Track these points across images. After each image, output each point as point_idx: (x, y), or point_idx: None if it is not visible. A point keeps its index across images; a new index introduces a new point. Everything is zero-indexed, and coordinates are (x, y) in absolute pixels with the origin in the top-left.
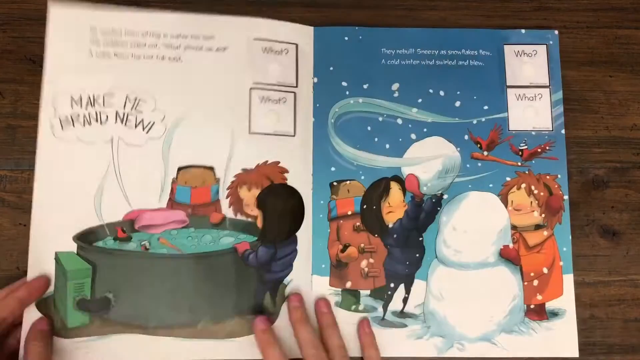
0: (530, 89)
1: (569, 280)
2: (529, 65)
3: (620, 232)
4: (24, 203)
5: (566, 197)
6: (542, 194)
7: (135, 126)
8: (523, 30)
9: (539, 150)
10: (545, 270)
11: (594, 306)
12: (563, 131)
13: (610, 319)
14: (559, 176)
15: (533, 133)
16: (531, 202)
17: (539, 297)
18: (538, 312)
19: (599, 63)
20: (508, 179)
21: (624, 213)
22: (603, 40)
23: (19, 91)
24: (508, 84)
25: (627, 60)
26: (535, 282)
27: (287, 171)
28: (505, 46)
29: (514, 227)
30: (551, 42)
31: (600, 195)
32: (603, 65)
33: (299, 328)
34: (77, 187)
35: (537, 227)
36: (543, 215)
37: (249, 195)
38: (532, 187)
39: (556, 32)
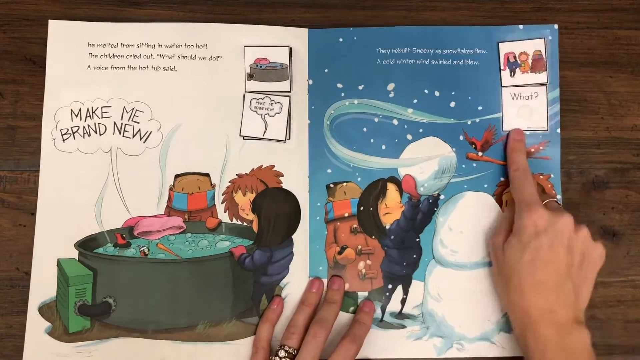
0: (526, 88)
1: None
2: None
3: (620, 233)
4: (23, 204)
5: (559, 196)
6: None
7: (133, 136)
8: (521, 26)
9: (532, 150)
10: None
11: (594, 307)
12: (559, 130)
13: (611, 320)
14: (552, 176)
15: (527, 133)
16: None
17: None
18: None
19: (599, 64)
20: (502, 179)
21: (624, 214)
22: (603, 40)
23: (19, 92)
24: (503, 84)
25: (627, 60)
26: None
27: (281, 174)
28: (500, 44)
29: None
30: (550, 38)
31: (601, 196)
32: (603, 66)
33: (324, 305)
34: (78, 196)
35: None
36: None
37: (244, 200)
38: None
39: (556, 26)
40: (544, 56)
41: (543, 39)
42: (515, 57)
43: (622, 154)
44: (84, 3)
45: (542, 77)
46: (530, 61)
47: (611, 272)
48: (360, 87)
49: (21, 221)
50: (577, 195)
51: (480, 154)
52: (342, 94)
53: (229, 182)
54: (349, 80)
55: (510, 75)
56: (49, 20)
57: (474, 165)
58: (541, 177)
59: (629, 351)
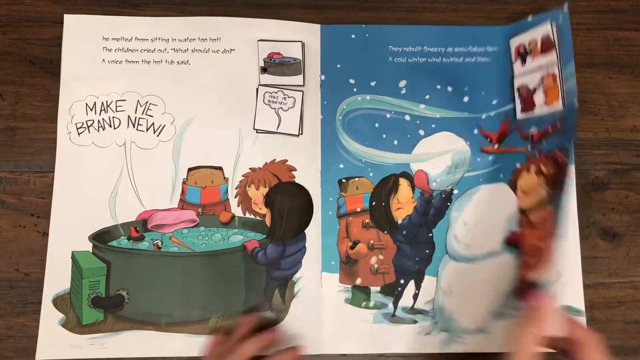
0: (533, 75)
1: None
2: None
3: (620, 234)
4: (23, 205)
5: (573, 165)
6: (551, 170)
7: (147, 129)
8: (529, 17)
9: (550, 130)
10: (542, 244)
11: (594, 308)
12: (576, 103)
13: (611, 321)
14: (567, 148)
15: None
16: (541, 182)
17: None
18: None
19: (599, 65)
20: (518, 165)
21: (624, 215)
22: (603, 42)
23: (18, 93)
24: (515, 74)
25: (627, 62)
26: (530, 258)
27: (294, 169)
28: (511, 41)
29: (522, 211)
30: (560, 22)
31: (601, 197)
32: (603, 67)
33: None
34: (92, 189)
35: (541, 204)
36: (549, 189)
37: (257, 194)
38: (542, 166)
39: (565, 9)
40: (553, 37)
41: (549, 23)
42: (525, 47)
43: (622, 155)
44: (84, 4)
45: (551, 55)
46: (539, 46)
47: (611, 273)
48: (373, 84)
49: (21, 222)
50: (577, 196)
51: (496, 146)
52: (355, 90)
53: (242, 176)
54: (361, 76)
55: (522, 65)
56: (64, 15)
57: (490, 158)
58: (557, 153)
59: (629, 352)
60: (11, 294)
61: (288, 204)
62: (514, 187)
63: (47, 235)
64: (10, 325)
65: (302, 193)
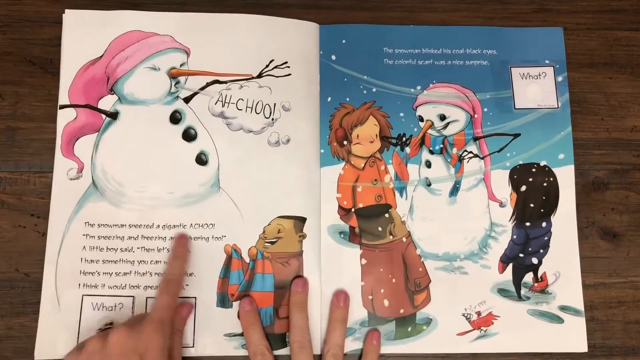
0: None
1: None
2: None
3: (620, 234)
4: (23, 205)
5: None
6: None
7: None
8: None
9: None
10: None
11: (595, 308)
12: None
13: (611, 321)
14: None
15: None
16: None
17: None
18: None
19: (599, 65)
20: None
21: (624, 215)
22: (603, 42)
23: (18, 93)
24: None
25: (627, 62)
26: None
27: None
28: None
29: None
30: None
31: (601, 197)
32: (603, 67)
33: (294, 312)
34: None
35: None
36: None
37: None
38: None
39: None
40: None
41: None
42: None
43: (622, 155)
44: (84, 5)
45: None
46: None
47: (611, 273)
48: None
49: (21, 222)
50: (577, 196)
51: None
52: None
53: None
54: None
55: None
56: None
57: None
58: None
59: (629, 352)
60: (11, 294)
61: None
62: None
63: (47, 235)
64: (10, 325)
65: None
